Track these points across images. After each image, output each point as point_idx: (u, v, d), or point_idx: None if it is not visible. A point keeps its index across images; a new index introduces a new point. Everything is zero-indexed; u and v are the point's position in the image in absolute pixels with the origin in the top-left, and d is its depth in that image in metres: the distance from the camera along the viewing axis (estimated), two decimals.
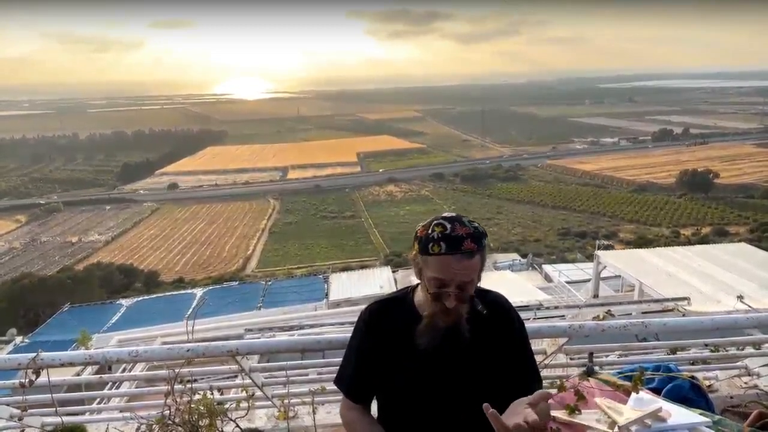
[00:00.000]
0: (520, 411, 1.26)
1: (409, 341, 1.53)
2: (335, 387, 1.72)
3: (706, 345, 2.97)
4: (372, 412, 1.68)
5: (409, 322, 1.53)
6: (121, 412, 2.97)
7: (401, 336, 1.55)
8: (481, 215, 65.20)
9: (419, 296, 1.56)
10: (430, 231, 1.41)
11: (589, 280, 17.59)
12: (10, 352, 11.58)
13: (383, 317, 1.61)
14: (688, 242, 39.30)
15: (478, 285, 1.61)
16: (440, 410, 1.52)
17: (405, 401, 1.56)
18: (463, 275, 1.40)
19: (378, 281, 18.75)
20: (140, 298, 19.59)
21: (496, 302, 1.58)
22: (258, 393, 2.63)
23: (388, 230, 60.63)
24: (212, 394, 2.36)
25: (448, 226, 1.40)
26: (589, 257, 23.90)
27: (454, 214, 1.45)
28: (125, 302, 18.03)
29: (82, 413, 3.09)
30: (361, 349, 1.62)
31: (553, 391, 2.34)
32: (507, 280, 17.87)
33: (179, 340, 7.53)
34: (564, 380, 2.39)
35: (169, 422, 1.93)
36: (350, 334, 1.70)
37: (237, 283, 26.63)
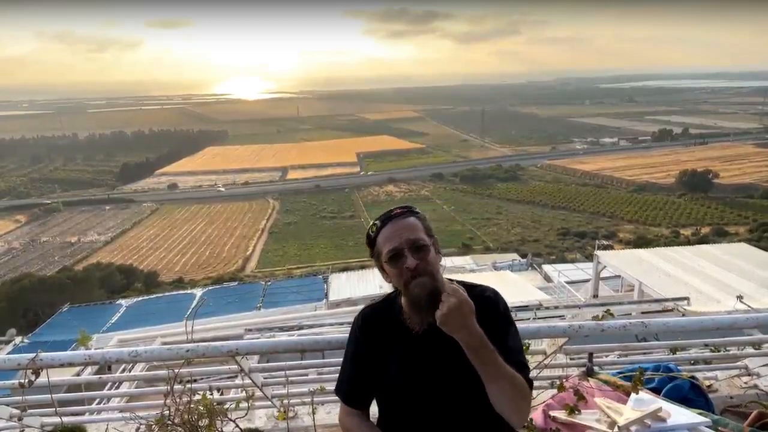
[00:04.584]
0: None
1: (403, 341, 1.54)
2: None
3: (706, 345, 2.97)
4: (372, 414, 1.69)
5: (401, 322, 1.54)
6: (120, 412, 2.97)
7: (395, 336, 1.56)
8: (481, 215, 65.30)
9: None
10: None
11: (588, 280, 17.57)
12: (9, 352, 11.57)
13: (376, 321, 1.62)
14: (688, 242, 39.35)
15: (466, 281, 1.61)
16: (437, 408, 1.53)
17: (402, 401, 1.56)
18: (407, 232, 1.47)
19: (377, 281, 18.68)
20: (140, 299, 19.59)
21: (482, 295, 1.55)
22: (258, 393, 2.63)
23: None
24: (212, 394, 2.36)
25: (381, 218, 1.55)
26: (589, 257, 23.91)
27: None
28: (125, 302, 18.01)
29: (82, 413, 3.08)
30: (357, 355, 1.63)
31: (553, 391, 2.36)
32: (507, 280, 17.86)
33: (179, 340, 7.54)
34: (564, 380, 2.41)
35: (169, 422, 1.93)
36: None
37: (236, 283, 26.68)
